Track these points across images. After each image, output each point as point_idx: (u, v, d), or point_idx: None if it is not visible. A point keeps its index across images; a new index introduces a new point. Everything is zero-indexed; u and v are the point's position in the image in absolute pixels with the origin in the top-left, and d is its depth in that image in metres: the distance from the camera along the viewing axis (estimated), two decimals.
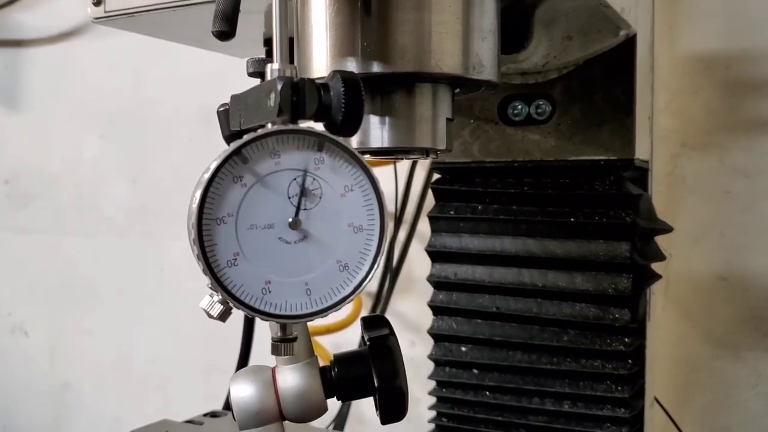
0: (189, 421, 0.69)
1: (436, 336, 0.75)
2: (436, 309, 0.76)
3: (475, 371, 0.74)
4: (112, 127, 1.35)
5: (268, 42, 0.67)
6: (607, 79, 0.68)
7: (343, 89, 0.38)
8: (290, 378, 0.46)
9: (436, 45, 0.47)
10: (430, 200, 0.82)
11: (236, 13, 0.45)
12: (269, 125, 0.38)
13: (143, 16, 0.60)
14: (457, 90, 0.52)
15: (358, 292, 0.39)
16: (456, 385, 0.74)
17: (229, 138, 0.46)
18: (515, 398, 0.72)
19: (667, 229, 0.72)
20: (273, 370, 0.47)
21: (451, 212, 0.74)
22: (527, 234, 0.70)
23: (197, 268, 0.38)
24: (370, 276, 0.39)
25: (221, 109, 0.46)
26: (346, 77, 0.38)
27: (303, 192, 0.39)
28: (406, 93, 0.49)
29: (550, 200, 0.69)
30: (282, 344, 0.39)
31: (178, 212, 1.35)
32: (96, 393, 1.37)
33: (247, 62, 0.41)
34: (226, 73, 1.14)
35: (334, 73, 0.39)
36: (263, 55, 0.67)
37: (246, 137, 0.37)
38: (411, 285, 1.02)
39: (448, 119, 0.51)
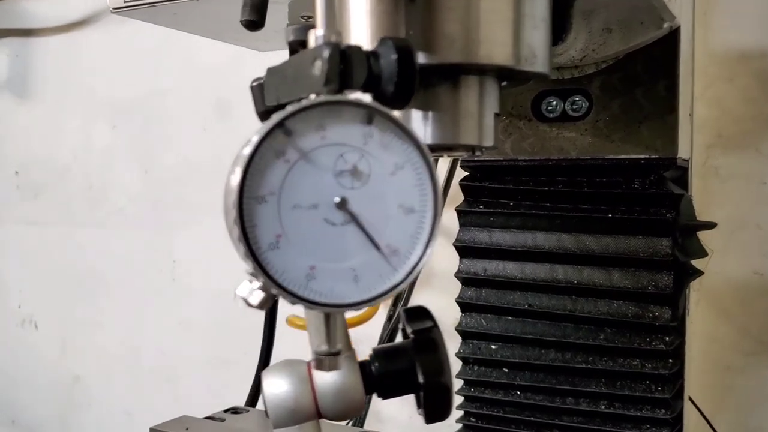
0: (209, 418, 0.66)
1: (465, 333, 0.72)
2: (465, 306, 0.73)
3: (506, 370, 0.71)
4: (124, 117, 1.32)
5: (293, 44, 0.64)
6: (648, 74, 0.65)
7: (395, 57, 0.35)
8: (328, 373, 0.43)
9: (486, 34, 0.43)
10: (452, 194, 0.80)
11: (266, 1, 0.43)
12: (312, 96, 0.35)
13: (163, 7, 0.58)
14: (504, 83, 0.49)
15: (408, 279, 0.36)
16: (485, 383, 0.71)
17: (263, 114, 0.43)
18: (548, 398, 0.69)
19: (709, 225, 0.69)
20: (309, 364, 0.44)
21: (481, 207, 0.71)
22: (561, 229, 0.68)
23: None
24: (421, 262, 0.36)
25: (255, 83, 0.43)
26: (398, 44, 0.35)
27: (350, 170, 0.35)
28: (451, 86, 0.45)
29: (586, 198, 0.66)
30: (327, 358, 0.36)
31: (190, 203, 1.33)
32: (106, 386, 1.35)
33: (287, 30, 0.37)
34: (240, 62, 1.12)
35: (385, 39, 0.36)
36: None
37: (290, 107, 0.34)
38: (430, 279, 0.99)
39: (495, 114, 0.47)
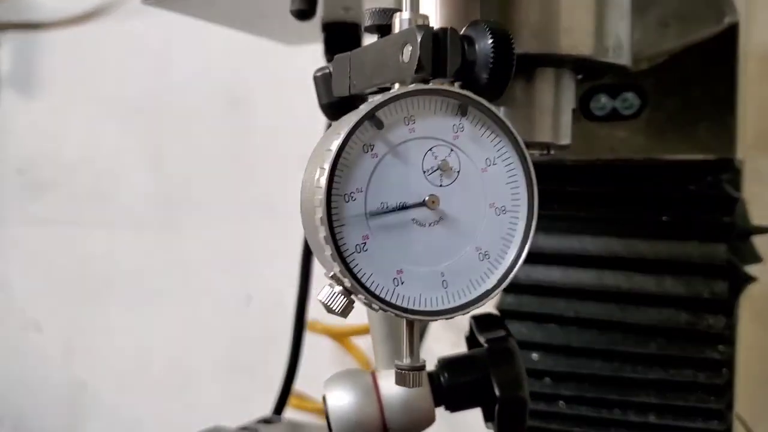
0: (243, 428, 0.63)
1: None
2: (505, 313, 0.70)
3: (548, 380, 0.68)
4: (132, 113, 1.29)
5: (327, 27, 0.61)
6: (705, 72, 0.62)
7: (492, 43, 0.32)
8: (394, 385, 0.40)
9: (569, 22, 0.40)
10: None
11: None
12: (397, 85, 0.32)
13: None
14: (580, 76, 0.46)
15: (502, 285, 0.33)
16: None
17: (328, 107, 0.40)
18: (594, 409, 0.66)
19: (766, 229, 0.67)
20: (374, 374, 0.41)
21: None
22: (611, 233, 0.65)
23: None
24: (516, 267, 0.33)
25: (319, 73, 0.40)
26: (495, 28, 0.32)
27: (440, 165, 0.32)
28: (526, 78, 0.42)
29: (638, 201, 0.64)
30: (410, 374, 0.33)
31: (201, 202, 1.29)
32: (114, 392, 1.31)
33: (366, 13, 0.34)
34: (252, 57, 1.09)
35: (478, 23, 0.33)
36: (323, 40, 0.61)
37: (381, 97, 0.31)
38: None
39: (572, 110, 0.45)
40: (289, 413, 0.78)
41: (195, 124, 1.23)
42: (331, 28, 0.61)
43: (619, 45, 0.42)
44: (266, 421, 0.66)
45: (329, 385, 0.41)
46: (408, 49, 0.32)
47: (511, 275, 0.33)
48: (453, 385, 0.41)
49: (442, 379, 0.41)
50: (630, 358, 0.65)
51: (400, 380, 0.33)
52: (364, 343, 1.00)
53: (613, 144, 0.65)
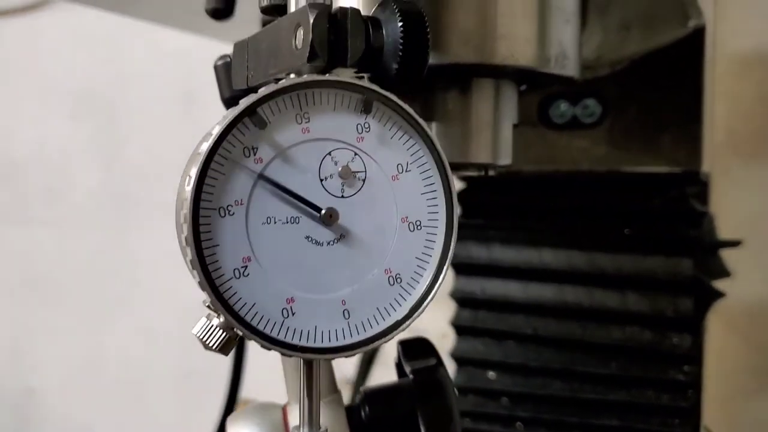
0: None
1: (460, 360, 0.65)
2: (461, 329, 0.65)
3: (505, 400, 0.64)
4: (83, 107, 1.24)
5: (268, 11, 0.55)
6: (669, 78, 0.58)
7: (401, 26, 0.27)
8: None
9: (508, 28, 0.35)
10: None
11: None
12: (292, 75, 0.27)
13: None
14: (523, 87, 0.41)
15: (415, 315, 0.28)
16: (482, 415, 0.64)
17: (230, 101, 0.35)
18: (553, 431, 0.62)
19: (734, 243, 0.63)
20: (284, 409, 0.36)
21: (479, 219, 0.63)
22: (571, 246, 0.61)
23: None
24: (432, 293, 0.28)
25: (220, 62, 0.35)
26: (405, 9, 0.27)
27: (341, 173, 0.27)
28: (460, 91, 0.37)
29: (600, 214, 0.60)
30: None
31: (156, 201, 1.23)
32: (64, 398, 1.26)
33: None
34: (210, 46, 1.03)
35: (387, 2, 0.27)
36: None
37: (263, 91, 0.26)
38: None
39: (514, 126, 0.40)
40: None
41: (149, 119, 1.18)
42: (270, 11, 0.56)
43: (563, 54, 0.37)
44: None
45: (232, 422, 0.36)
46: (300, 33, 0.26)
47: (426, 302, 0.28)
48: (375, 420, 0.36)
49: (363, 413, 0.36)
50: (590, 379, 0.61)
51: None
52: None
53: (574, 154, 0.60)
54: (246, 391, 0.76)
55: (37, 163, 1.28)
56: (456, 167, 0.38)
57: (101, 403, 1.23)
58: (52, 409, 1.28)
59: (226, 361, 0.80)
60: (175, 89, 1.15)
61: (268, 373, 0.56)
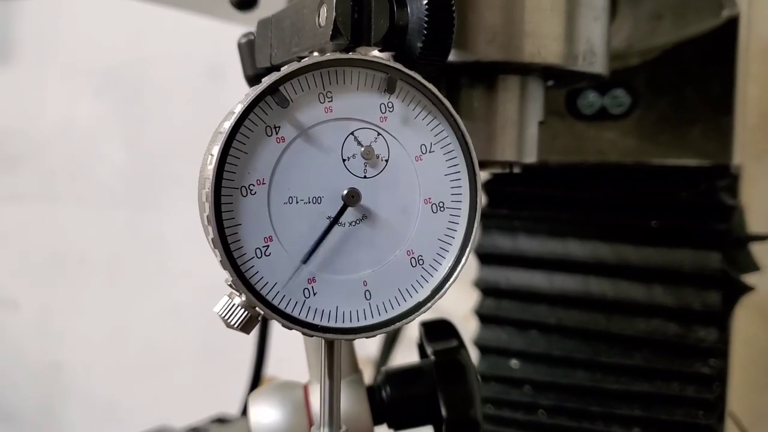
0: (193, 429, 0.58)
1: (484, 348, 0.65)
2: (484, 317, 0.65)
3: (528, 388, 0.63)
4: (109, 85, 1.24)
5: None
6: (700, 69, 0.56)
7: (426, 3, 0.26)
8: None
9: (535, 25, 0.34)
10: None
11: None
12: (315, 54, 0.27)
13: None
14: (550, 82, 0.40)
15: (437, 297, 0.28)
16: (504, 402, 0.64)
17: (253, 79, 0.35)
18: (575, 420, 0.62)
19: (764, 237, 0.61)
20: (305, 387, 0.36)
21: (505, 209, 0.62)
22: (598, 238, 0.60)
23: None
24: (454, 275, 0.28)
25: (244, 40, 0.35)
26: None
27: (364, 153, 0.27)
28: (485, 88, 0.36)
29: (627, 207, 0.59)
30: None
31: (179, 179, 1.24)
32: (89, 374, 1.28)
33: None
34: (230, 26, 1.03)
35: None
36: None
37: (285, 69, 0.25)
38: None
39: (539, 123, 0.39)
40: None
41: (174, 97, 1.18)
42: None
43: (592, 51, 0.36)
44: (220, 420, 0.61)
45: (254, 400, 0.36)
46: (323, 12, 0.26)
47: (449, 284, 0.28)
48: (395, 401, 0.36)
49: (383, 394, 0.36)
50: (614, 369, 0.60)
51: None
52: None
53: (601, 146, 0.59)
54: (270, 368, 0.77)
55: (62, 142, 1.29)
56: (480, 165, 0.37)
57: (126, 379, 1.25)
58: (78, 384, 1.30)
59: (249, 339, 0.80)
60: (199, 67, 1.15)
61: (292, 351, 0.57)
